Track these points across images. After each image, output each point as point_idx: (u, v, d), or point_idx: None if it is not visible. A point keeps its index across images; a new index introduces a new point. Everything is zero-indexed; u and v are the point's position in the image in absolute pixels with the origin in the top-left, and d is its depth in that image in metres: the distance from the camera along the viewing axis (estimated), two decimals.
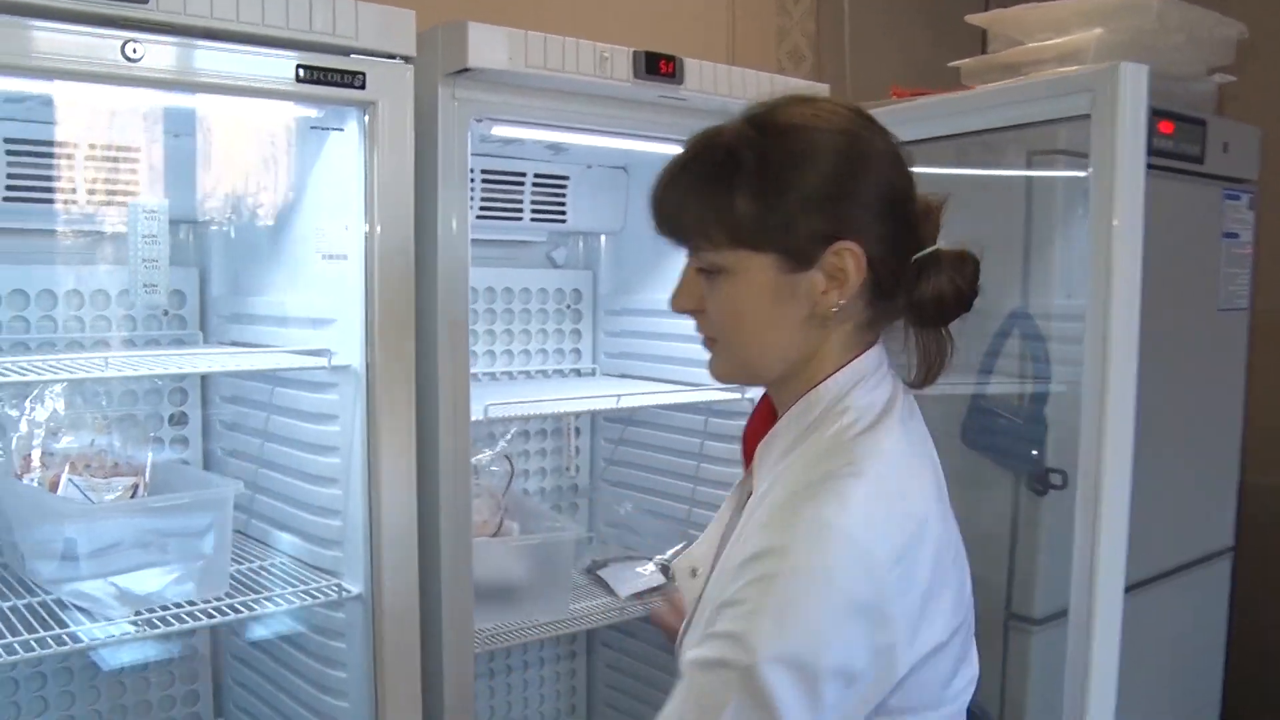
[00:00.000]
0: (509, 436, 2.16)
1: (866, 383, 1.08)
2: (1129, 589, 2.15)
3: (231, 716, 2.09)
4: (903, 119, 1.92)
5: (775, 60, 2.95)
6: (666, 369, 2.32)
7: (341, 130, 1.58)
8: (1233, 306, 2.41)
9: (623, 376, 2.45)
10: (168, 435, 1.99)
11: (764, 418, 1.17)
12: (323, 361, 1.62)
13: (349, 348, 1.60)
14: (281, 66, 1.44)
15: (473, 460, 1.85)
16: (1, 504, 1.73)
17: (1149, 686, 2.33)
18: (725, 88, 1.86)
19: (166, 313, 1.96)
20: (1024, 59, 2.23)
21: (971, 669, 1.10)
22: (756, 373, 1.13)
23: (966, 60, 2.35)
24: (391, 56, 1.53)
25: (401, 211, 1.56)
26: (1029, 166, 2.13)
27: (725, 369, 1.13)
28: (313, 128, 1.64)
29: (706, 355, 1.13)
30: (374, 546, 1.62)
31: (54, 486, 1.71)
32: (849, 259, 1.03)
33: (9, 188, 1.70)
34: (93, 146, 1.78)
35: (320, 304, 1.68)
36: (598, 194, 2.37)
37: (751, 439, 1.16)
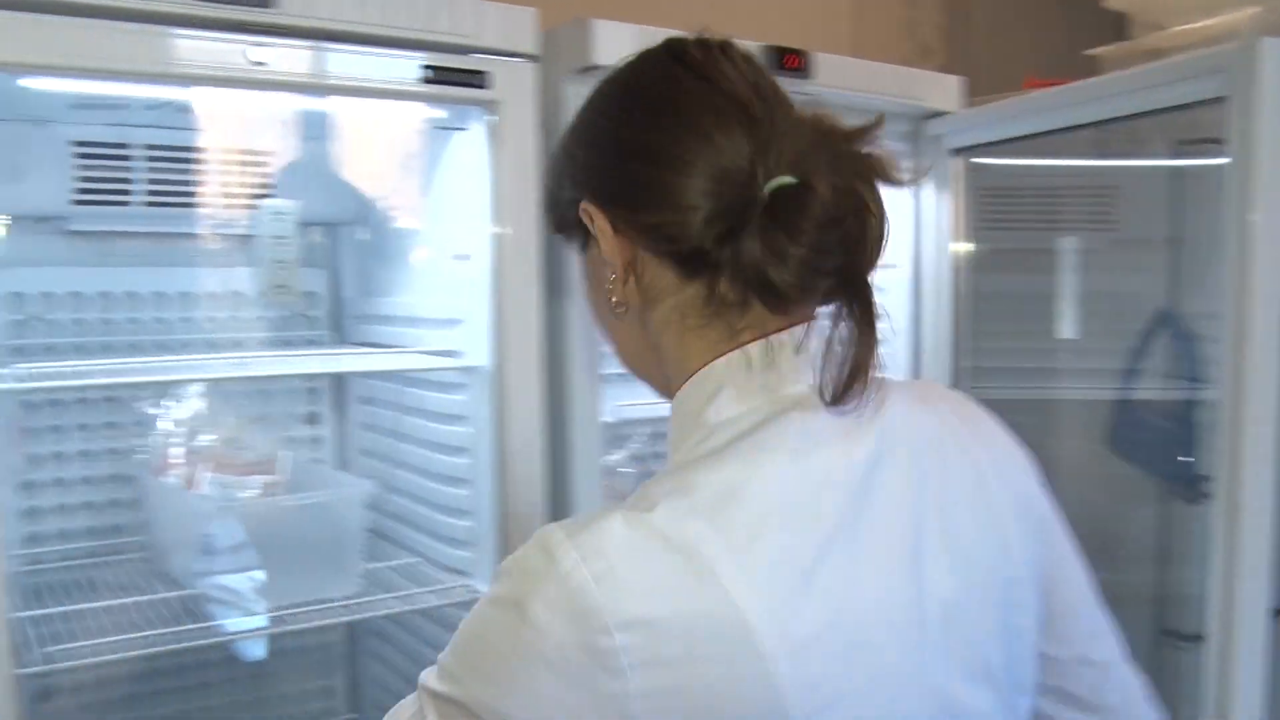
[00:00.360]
0: (640, 438, 2.14)
1: (724, 393, 0.80)
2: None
3: (367, 713, 2.12)
4: (1031, 109, 1.86)
5: (903, 54, 2.88)
6: None
7: (465, 130, 1.58)
8: None
9: None
10: (302, 435, 2.03)
11: None
12: (452, 362, 1.62)
13: (477, 348, 1.60)
14: (406, 67, 1.44)
15: (602, 461, 1.83)
16: (144, 500, 1.79)
17: None
18: (855, 81, 1.81)
19: (300, 314, 2.00)
20: (1169, 44, 2.13)
21: None
22: (641, 379, 0.93)
23: (1105, 48, 2.25)
24: (515, 55, 1.53)
25: (526, 211, 1.55)
26: (1176, 155, 2.03)
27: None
28: (438, 128, 1.64)
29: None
30: (505, 548, 1.62)
31: (192, 484, 1.76)
32: (594, 221, 0.84)
33: (150, 193, 1.76)
34: (225, 151, 1.83)
35: (449, 304, 1.68)
36: None
37: None
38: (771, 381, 0.80)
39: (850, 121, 0.79)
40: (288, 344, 1.99)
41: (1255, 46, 1.44)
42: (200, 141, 1.70)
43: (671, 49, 0.85)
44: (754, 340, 0.80)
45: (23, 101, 1.58)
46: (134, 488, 1.84)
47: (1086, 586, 0.92)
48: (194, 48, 1.31)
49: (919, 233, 2.05)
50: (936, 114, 1.99)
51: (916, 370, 2.06)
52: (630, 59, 0.88)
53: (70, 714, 1.79)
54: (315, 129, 1.69)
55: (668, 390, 0.86)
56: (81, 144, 1.71)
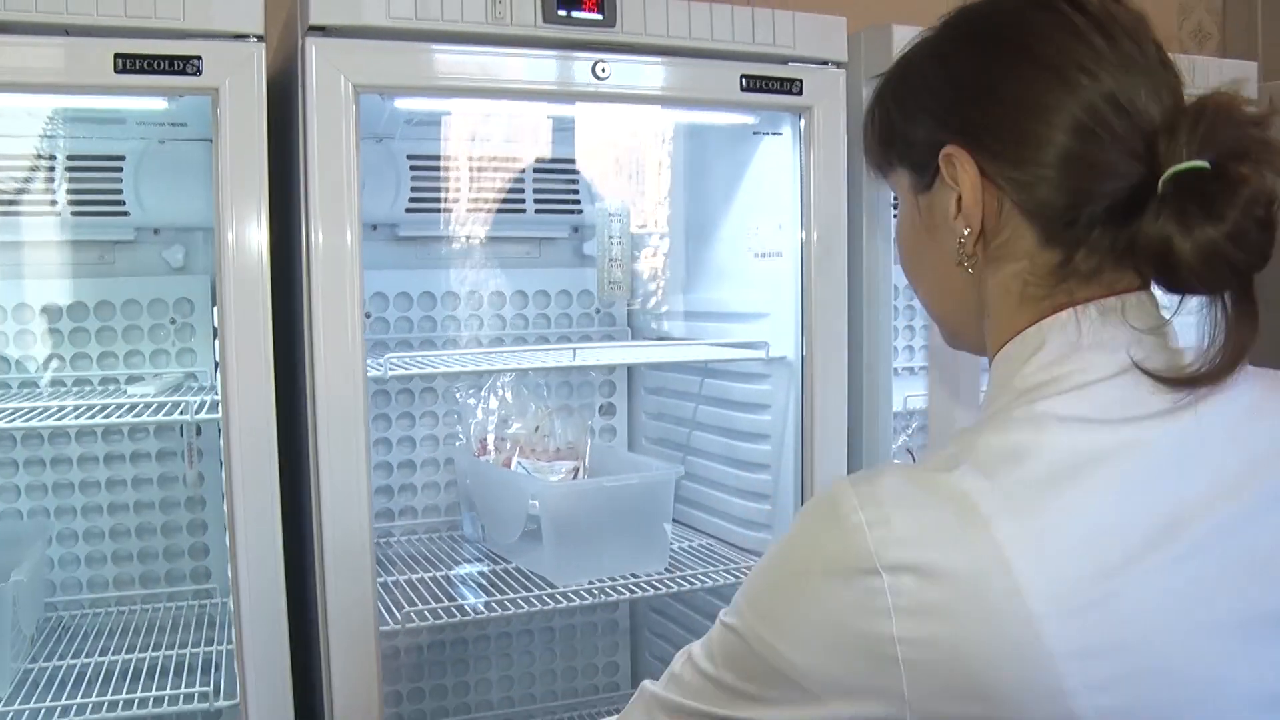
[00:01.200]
0: (910, 430, 2.18)
1: (1042, 355, 0.77)
2: None
3: None
4: None
5: (1177, 40, 2.80)
6: None
7: (779, 135, 1.67)
8: None
9: None
10: (598, 424, 2.17)
11: None
12: (760, 354, 1.71)
13: (783, 340, 1.69)
14: (728, 77, 1.53)
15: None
16: (468, 482, 1.95)
17: None
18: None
19: (599, 310, 2.13)
20: None
21: None
22: (943, 331, 0.90)
23: None
24: (824, 63, 1.60)
25: (835, 211, 1.62)
26: None
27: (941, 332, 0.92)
28: (754, 133, 1.73)
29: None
30: None
31: (505, 467, 1.90)
32: (958, 167, 0.79)
33: (471, 200, 1.92)
34: (539, 160, 1.97)
35: (753, 299, 1.77)
36: None
37: None
38: (1088, 350, 0.75)
39: (1246, 105, 0.73)
40: (588, 338, 2.12)
41: None
42: (514, 151, 1.85)
43: None
44: (1083, 303, 0.76)
45: (376, 121, 1.75)
46: (452, 470, 2.01)
47: None
48: (543, 65, 1.44)
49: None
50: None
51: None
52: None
53: (410, 669, 1.98)
54: (629, 135, 1.80)
55: (981, 347, 0.85)
56: (413, 157, 1.89)
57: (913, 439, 2.18)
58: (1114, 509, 0.70)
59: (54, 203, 1.79)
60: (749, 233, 1.79)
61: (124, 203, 1.81)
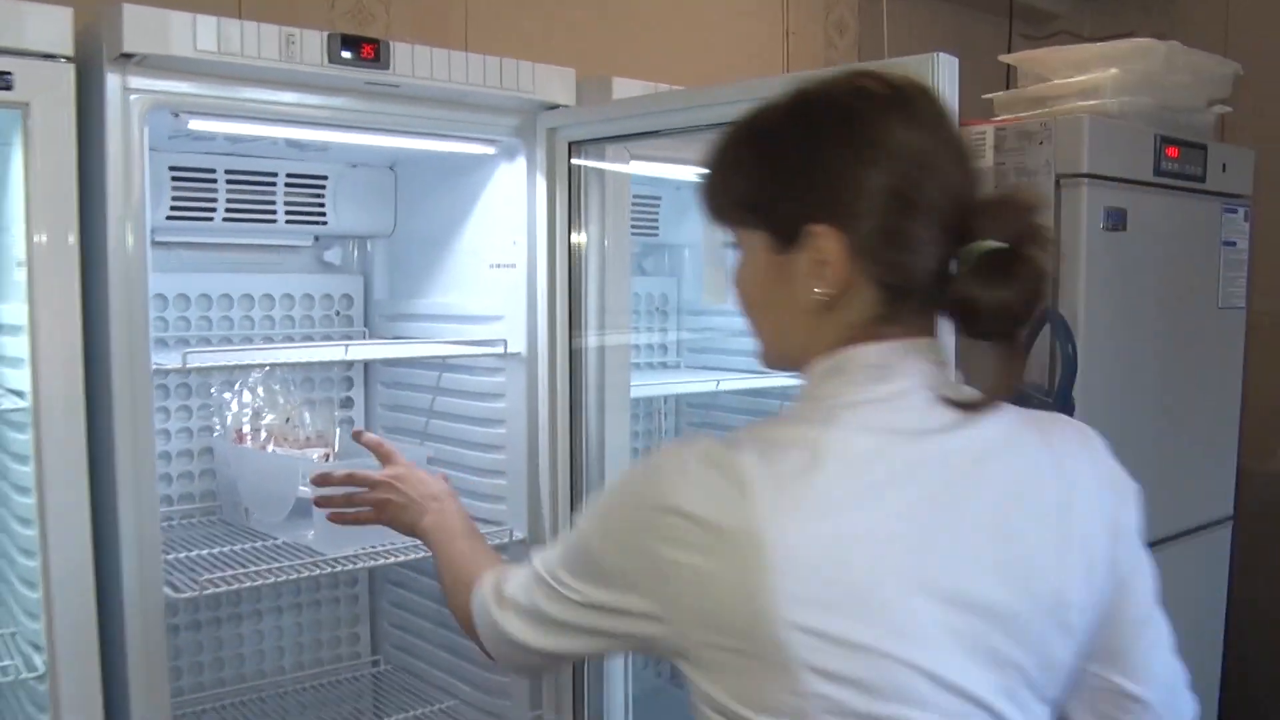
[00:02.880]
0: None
1: (842, 376, 0.96)
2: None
3: (388, 655, 2.46)
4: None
5: (823, 30, 3.25)
6: None
7: None
8: (1231, 305, 2.79)
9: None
10: (339, 415, 2.37)
11: None
12: (498, 350, 2.00)
13: (516, 338, 1.99)
14: None
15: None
16: (228, 469, 2.11)
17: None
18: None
19: (338, 312, 2.34)
20: (1049, 93, 2.61)
21: None
22: (775, 359, 1.07)
23: (999, 93, 2.72)
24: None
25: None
26: None
27: (759, 352, 1.10)
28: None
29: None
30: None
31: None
32: (827, 244, 0.94)
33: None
34: (290, 175, 2.15)
35: (490, 303, 2.06)
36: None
37: None
38: (887, 376, 0.95)
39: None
40: (329, 338, 2.32)
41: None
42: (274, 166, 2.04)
43: (898, 89, 0.97)
44: (897, 336, 0.96)
45: None
46: (207, 460, 2.16)
47: (1155, 629, 1.05)
48: None
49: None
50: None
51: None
52: (839, 84, 0.99)
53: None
54: None
55: (800, 368, 1.01)
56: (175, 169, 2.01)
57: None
58: (863, 494, 0.90)
59: None
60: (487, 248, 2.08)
61: None
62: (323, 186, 2.19)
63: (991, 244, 0.93)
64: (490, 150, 1.99)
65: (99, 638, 1.61)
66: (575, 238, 1.99)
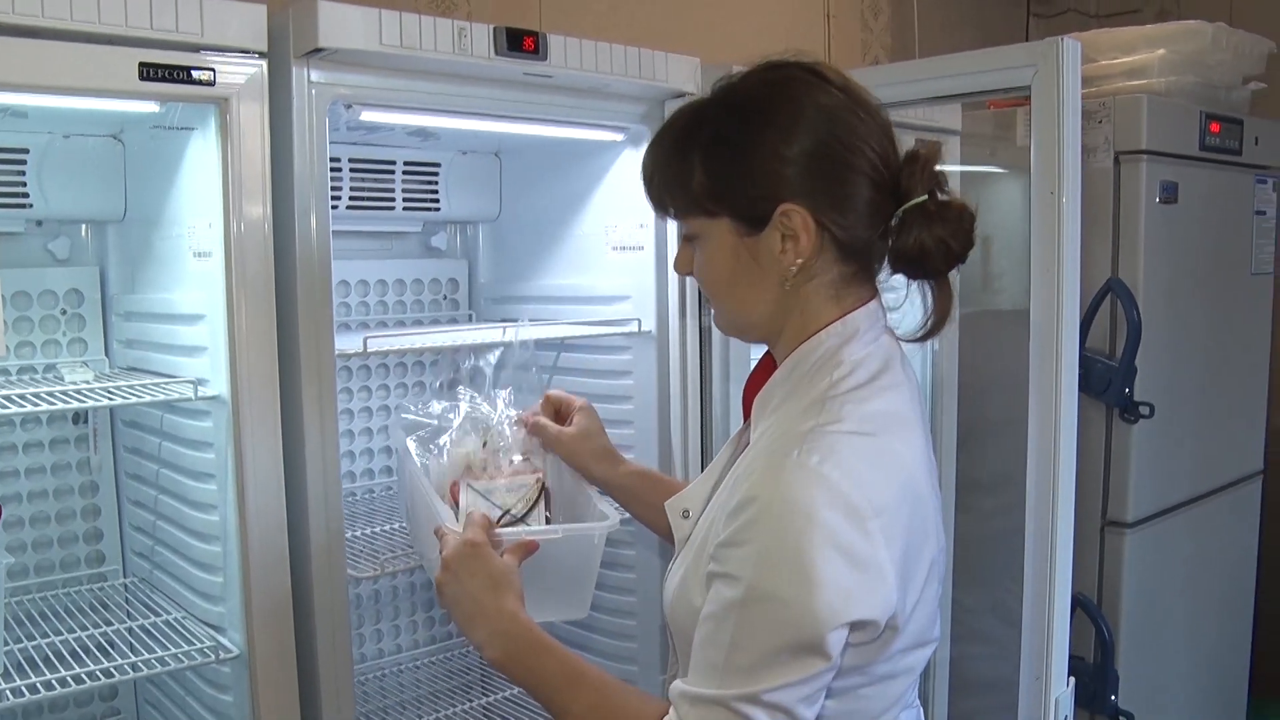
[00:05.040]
0: None
1: (861, 338, 1.12)
2: (1186, 503, 2.64)
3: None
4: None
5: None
6: None
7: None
8: (1261, 271, 2.96)
9: None
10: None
11: (764, 372, 1.21)
12: (631, 329, 2.06)
13: (647, 316, 2.06)
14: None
15: None
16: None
17: (1203, 588, 2.88)
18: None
19: (445, 297, 2.39)
20: (1096, 73, 2.73)
21: (931, 644, 1.14)
22: (744, 330, 1.21)
23: None
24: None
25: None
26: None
27: (721, 325, 1.24)
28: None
29: None
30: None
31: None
32: (796, 220, 1.07)
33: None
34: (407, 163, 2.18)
35: (614, 284, 2.13)
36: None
37: (750, 391, 1.21)
38: (880, 330, 1.15)
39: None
40: (437, 322, 2.37)
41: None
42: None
43: (819, 74, 1.13)
44: (873, 295, 1.16)
45: None
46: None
47: None
48: None
49: None
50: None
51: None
52: (775, 78, 1.13)
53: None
54: None
55: (773, 339, 1.18)
56: None
57: None
58: (922, 434, 1.14)
59: None
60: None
61: (27, 195, 1.85)
62: (436, 173, 2.23)
63: (922, 198, 1.09)
64: (619, 137, 2.05)
65: None
66: None
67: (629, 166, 2.09)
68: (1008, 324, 2.40)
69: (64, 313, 1.96)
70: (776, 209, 1.08)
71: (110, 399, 1.65)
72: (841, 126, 1.08)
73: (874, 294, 1.16)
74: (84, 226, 1.99)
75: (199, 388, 1.65)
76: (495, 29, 1.73)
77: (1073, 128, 1.54)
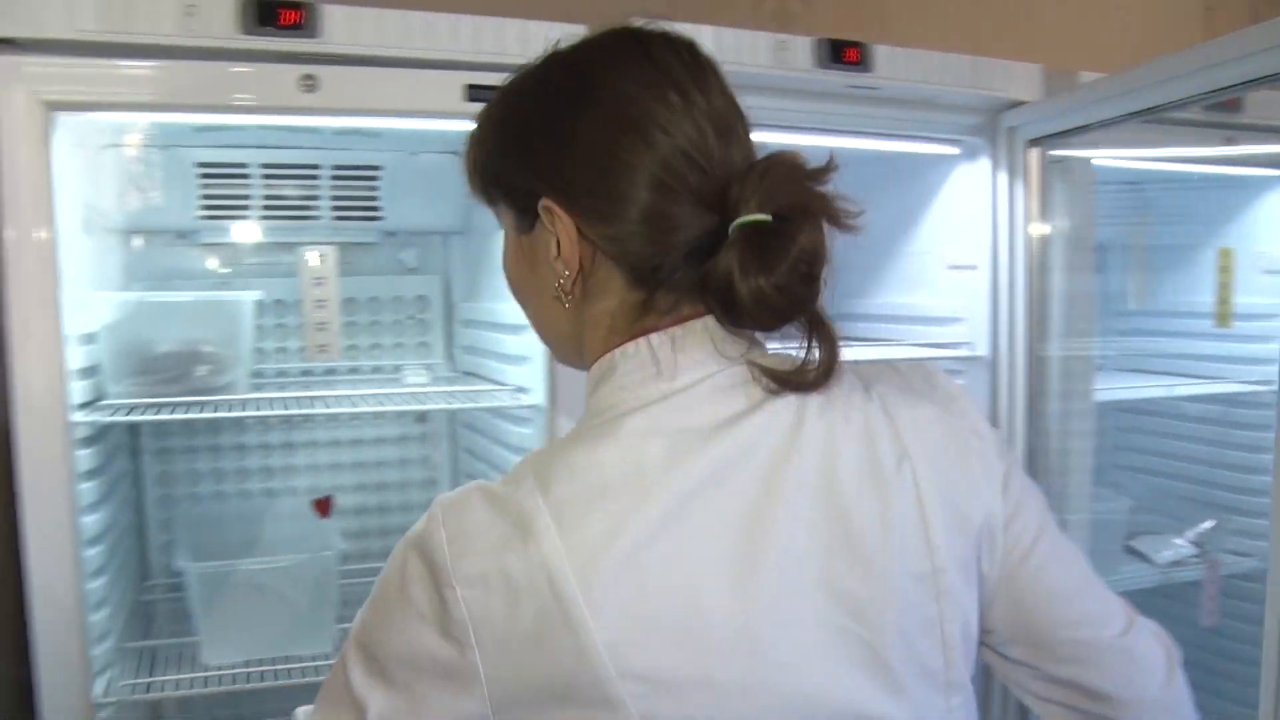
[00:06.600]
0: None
1: (614, 380, 0.83)
2: None
3: None
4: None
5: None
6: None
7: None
8: None
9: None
10: None
11: None
12: (963, 353, 1.95)
13: (980, 340, 1.93)
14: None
15: None
16: None
17: None
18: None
19: None
20: None
21: None
22: (551, 347, 0.94)
23: None
24: None
25: None
26: None
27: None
28: None
29: None
30: None
31: None
32: (555, 220, 0.82)
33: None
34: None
35: (946, 305, 2.02)
36: None
37: None
38: (664, 372, 0.81)
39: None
40: None
41: None
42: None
43: (644, 46, 0.83)
44: (657, 328, 0.82)
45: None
46: None
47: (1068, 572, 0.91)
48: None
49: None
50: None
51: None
52: (594, 44, 0.85)
53: None
54: None
55: (583, 366, 0.88)
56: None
57: None
58: (662, 513, 0.74)
59: (317, 208, 1.98)
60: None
61: (380, 208, 1.99)
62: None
63: (753, 217, 0.77)
64: (954, 150, 1.95)
65: None
66: (1037, 237, 1.91)
67: (963, 181, 1.98)
68: None
69: (411, 318, 2.10)
70: (537, 202, 0.83)
71: (448, 403, 1.76)
72: (631, 114, 0.80)
73: (668, 324, 0.82)
74: (431, 237, 2.11)
75: (520, 395, 1.72)
76: (818, 41, 1.69)
77: None
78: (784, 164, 0.78)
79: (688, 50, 0.83)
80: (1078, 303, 1.94)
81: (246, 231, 1.95)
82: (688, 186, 0.79)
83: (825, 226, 0.77)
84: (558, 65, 0.85)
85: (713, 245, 0.78)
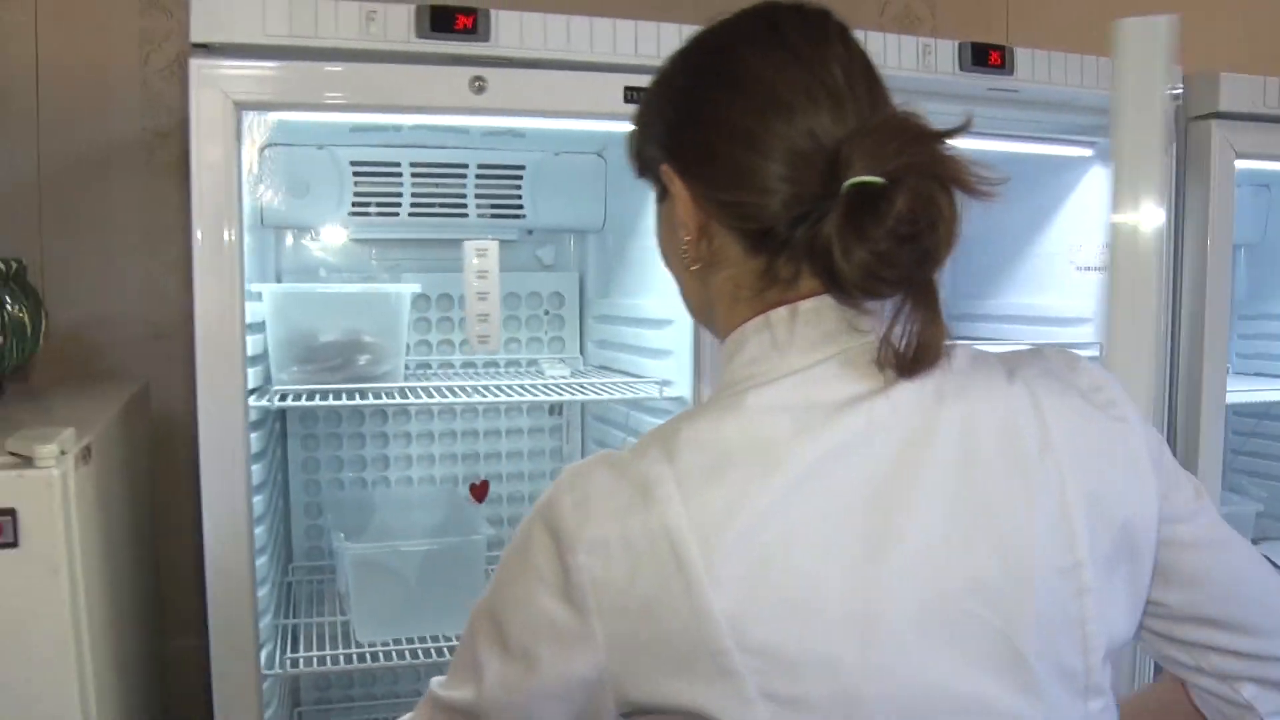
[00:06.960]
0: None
1: (743, 354, 0.83)
2: None
3: None
4: None
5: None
6: None
7: None
8: None
9: None
10: None
11: None
12: (1092, 353, 1.96)
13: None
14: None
15: None
16: None
17: None
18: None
19: None
20: None
21: None
22: (703, 323, 0.94)
23: None
24: None
25: None
26: None
27: None
28: None
29: None
30: None
31: None
32: (673, 185, 0.84)
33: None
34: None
35: (1074, 306, 2.03)
36: None
37: None
38: (783, 349, 0.80)
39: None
40: None
41: None
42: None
43: (770, 18, 0.83)
44: (770, 309, 0.81)
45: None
46: None
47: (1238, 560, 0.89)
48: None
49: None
50: None
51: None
52: (726, 20, 0.86)
53: None
54: None
55: (721, 338, 0.88)
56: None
57: None
58: (786, 486, 0.73)
59: (463, 206, 2.05)
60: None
61: (522, 206, 2.06)
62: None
63: (859, 179, 0.73)
64: (1088, 152, 1.96)
65: None
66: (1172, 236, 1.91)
67: (1097, 183, 1.99)
68: None
69: (547, 313, 2.17)
70: (660, 167, 0.86)
71: (584, 394, 1.81)
72: (757, 85, 0.80)
73: (790, 299, 0.81)
74: (568, 235, 2.18)
75: (664, 388, 1.77)
76: (960, 44, 1.72)
77: None
78: (892, 123, 0.75)
79: (818, 18, 0.83)
80: (1213, 304, 1.93)
81: (395, 228, 2.03)
82: (805, 158, 0.77)
83: (955, 193, 0.73)
84: (693, 41, 0.87)
85: (823, 214, 0.75)
